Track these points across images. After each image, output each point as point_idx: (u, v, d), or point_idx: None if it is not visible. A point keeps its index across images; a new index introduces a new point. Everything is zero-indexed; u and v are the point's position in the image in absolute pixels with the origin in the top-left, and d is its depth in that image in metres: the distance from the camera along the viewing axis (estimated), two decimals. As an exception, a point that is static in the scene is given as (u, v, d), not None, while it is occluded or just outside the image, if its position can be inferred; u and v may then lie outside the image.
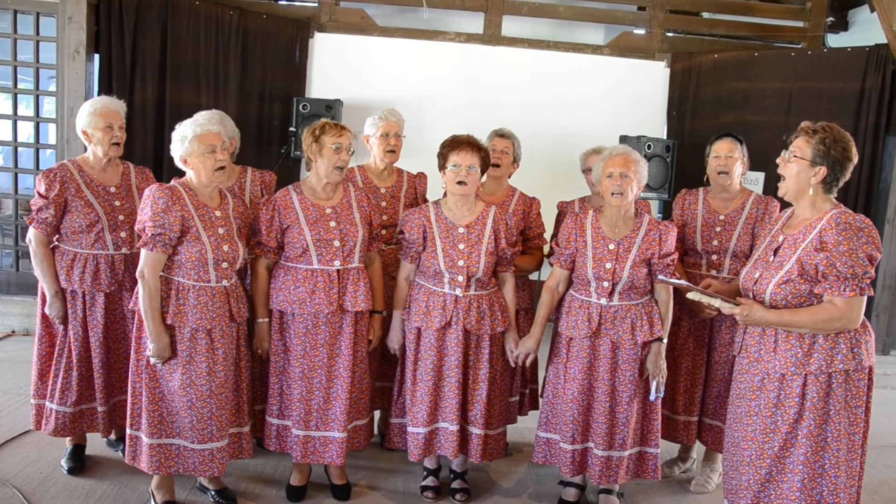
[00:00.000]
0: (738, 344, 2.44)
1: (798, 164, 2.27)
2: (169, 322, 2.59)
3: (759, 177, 5.17)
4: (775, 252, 2.34)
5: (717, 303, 2.34)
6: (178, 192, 2.62)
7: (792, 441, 2.26)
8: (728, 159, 3.13)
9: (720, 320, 3.15)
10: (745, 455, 2.35)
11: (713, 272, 3.17)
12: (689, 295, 2.40)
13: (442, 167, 2.94)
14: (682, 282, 2.52)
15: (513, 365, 3.06)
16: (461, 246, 2.89)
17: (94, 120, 2.90)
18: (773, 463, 2.29)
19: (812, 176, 2.25)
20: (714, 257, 3.17)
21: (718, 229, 3.17)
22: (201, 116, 2.68)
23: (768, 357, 2.28)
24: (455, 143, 2.90)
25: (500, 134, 3.35)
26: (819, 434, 2.22)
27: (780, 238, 2.36)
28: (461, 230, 2.91)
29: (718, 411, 3.18)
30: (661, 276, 2.76)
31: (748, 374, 2.36)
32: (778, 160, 2.34)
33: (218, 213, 2.69)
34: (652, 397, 2.88)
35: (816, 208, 2.29)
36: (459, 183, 2.86)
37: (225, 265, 2.67)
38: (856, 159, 2.27)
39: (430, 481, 3.13)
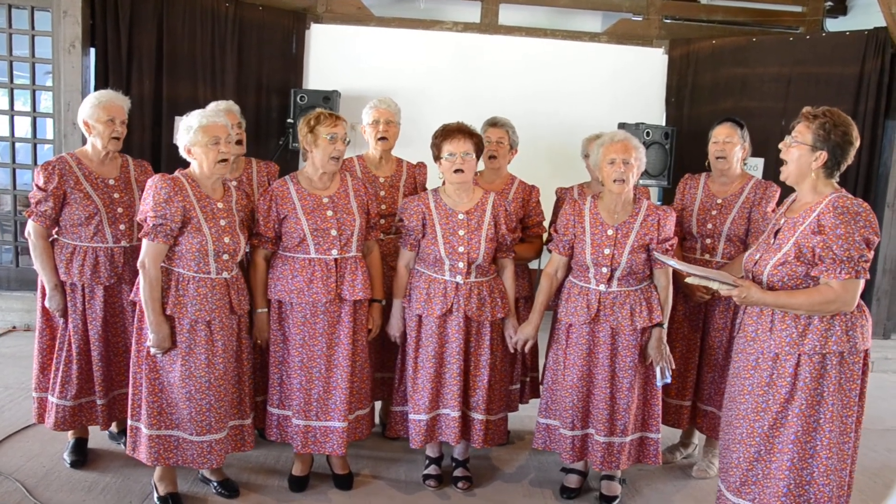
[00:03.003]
0: (738, 324, 2.46)
1: (799, 149, 2.28)
2: (168, 313, 2.60)
3: (759, 162, 5.16)
4: (776, 234, 2.36)
5: (714, 285, 2.34)
6: (181, 182, 2.63)
7: (782, 421, 2.27)
8: (726, 144, 3.13)
9: (714, 304, 3.15)
10: (737, 433, 2.37)
11: (707, 256, 3.17)
12: (688, 279, 2.40)
13: (437, 158, 2.93)
14: (679, 265, 2.51)
15: (511, 351, 3.06)
16: (461, 232, 2.88)
17: (97, 112, 2.91)
18: (763, 442, 2.31)
19: (813, 161, 2.26)
20: (708, 241, 3.17)
21: (714, 212, 3.16)
22: (209, 108, 2.71)
23: (764, 337, 2.30)
24: (447, 133, 2.89)
25: (493, 123, 3.32)
26: (811, 415, 2.24)
27: (782, 221, 2.38)
28: (461, 216, 2.91)
29: (713, 397, 3.18)
30: (657, 255, 2.74)
31: (744, 353, 2.38)
32: (780, 145, 2.35)
33: (220, 205, 2.70)
34: (659, 384, 2.87)
35: (817, 192, 2.30)
36: (457, 171, 2.86)
37: (226, 257, 2.67)
38: (857, 143, 2.28)
39: (432, 470, 3.14)
